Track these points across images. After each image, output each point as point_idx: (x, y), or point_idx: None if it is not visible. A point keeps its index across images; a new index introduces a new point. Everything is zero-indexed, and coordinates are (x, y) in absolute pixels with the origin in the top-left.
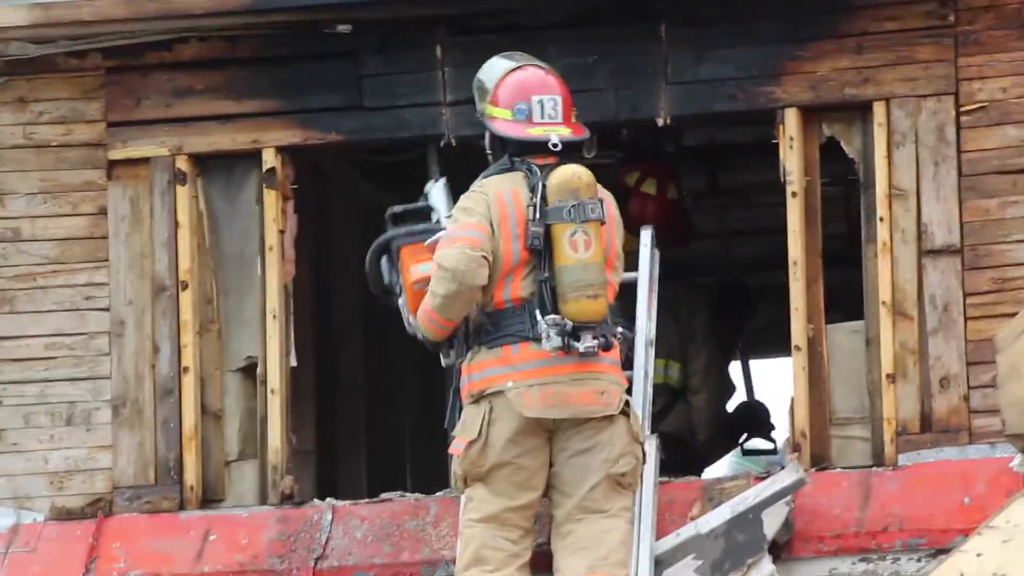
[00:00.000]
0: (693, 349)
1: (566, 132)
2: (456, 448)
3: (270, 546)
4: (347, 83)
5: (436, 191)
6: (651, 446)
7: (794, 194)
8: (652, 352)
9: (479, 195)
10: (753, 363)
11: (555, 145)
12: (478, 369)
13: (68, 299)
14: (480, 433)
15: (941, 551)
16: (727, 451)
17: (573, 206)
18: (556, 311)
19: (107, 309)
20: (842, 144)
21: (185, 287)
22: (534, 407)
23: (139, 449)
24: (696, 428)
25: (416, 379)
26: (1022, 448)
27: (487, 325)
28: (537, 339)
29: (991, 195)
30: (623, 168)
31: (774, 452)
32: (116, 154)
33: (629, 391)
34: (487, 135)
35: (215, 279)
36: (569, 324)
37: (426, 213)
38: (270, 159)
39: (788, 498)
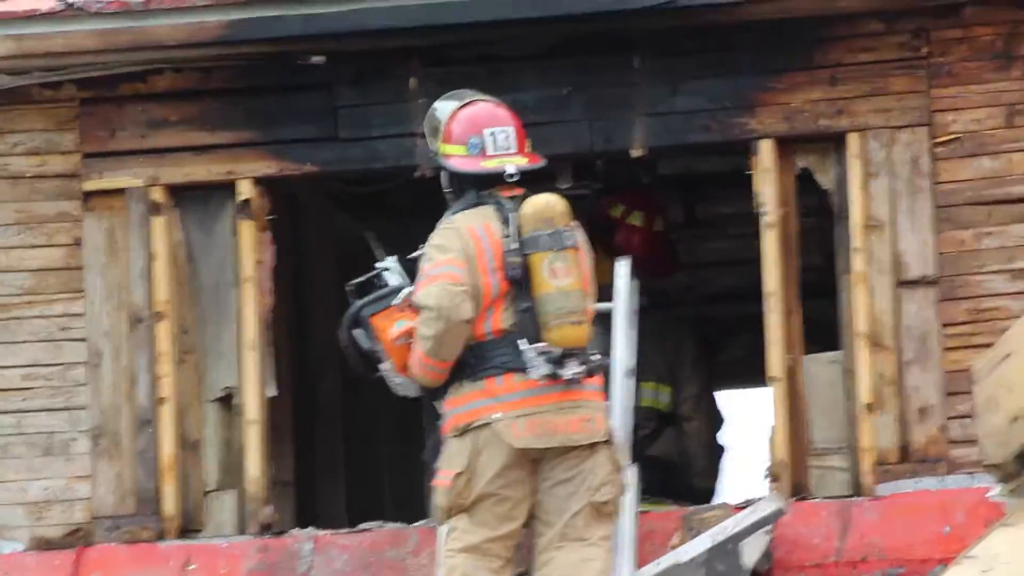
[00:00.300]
0: (683, 376)
1: (522, 161)
2: (441, 481)
3: None
4: (322, 114)
5: (391, 274)
6: (631, 474)
7: (770, 225)
8: (631, 383)
9: (451, 231)
10: (729, 394)
11: (511, 175)
12: (462, 402)
13: (44, 330)
14: (467, 466)
15: None
16: (718, 479)
17: (549, 234)
18: (540, 339)
19: (84, 340)
20: (816, 175)
21: (162, 318)
22: (522, 437)
23: (118, 479)
24: (691, 456)
25: (394, 408)
26: (1000, 478)
27: (469, 358)
28: (521, 369)
29: (966, 226)
30: (608, 200)
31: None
32: (91, 185)
33: None
34: (443, 175)
35: (192, 310)
36: (556, 351)
37: (382, 281)
38: (245, 190)
39: (768, 528)
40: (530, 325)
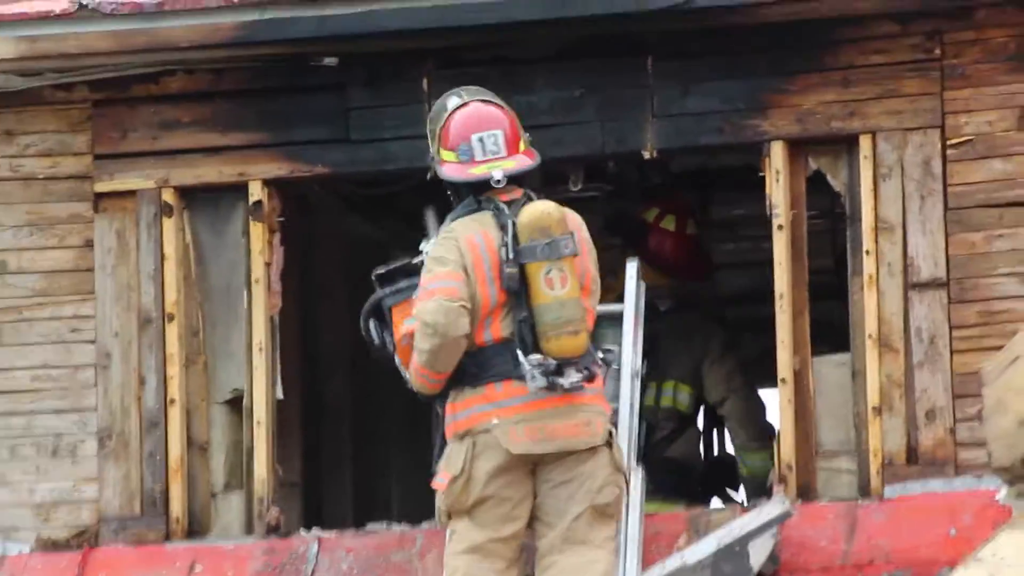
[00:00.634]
0: (710, 362)
1: (510, 165)
2: (439, 483)
3: None
4: (334, 116)
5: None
6: (637, 477)
7: (780, 227)
8: (638, 384)
9: (449, 241)
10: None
11: (497, 181)
12: (463, 408)
13: (54, 331)
14: (463, 469)
15: None
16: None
17: (546, 244)
18: (537, 349)
19: (93, 341)
20: (828, 177)
21: (171, 319)
22: (520, 443)
23: (125, 481)
24: (734, 432)
25: (402, 410)
26: (1008, 480)
27: (470, 365)
28: (521, 377)
29: (977, 228)
30: (641, 204)
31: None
32: (102, 187)
33: (614, 421)
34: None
35: (201, 311)
36: (552, 363)
37: (410, 269)
38: (256, 192)
39: (774, 530)
40: (528, 334)
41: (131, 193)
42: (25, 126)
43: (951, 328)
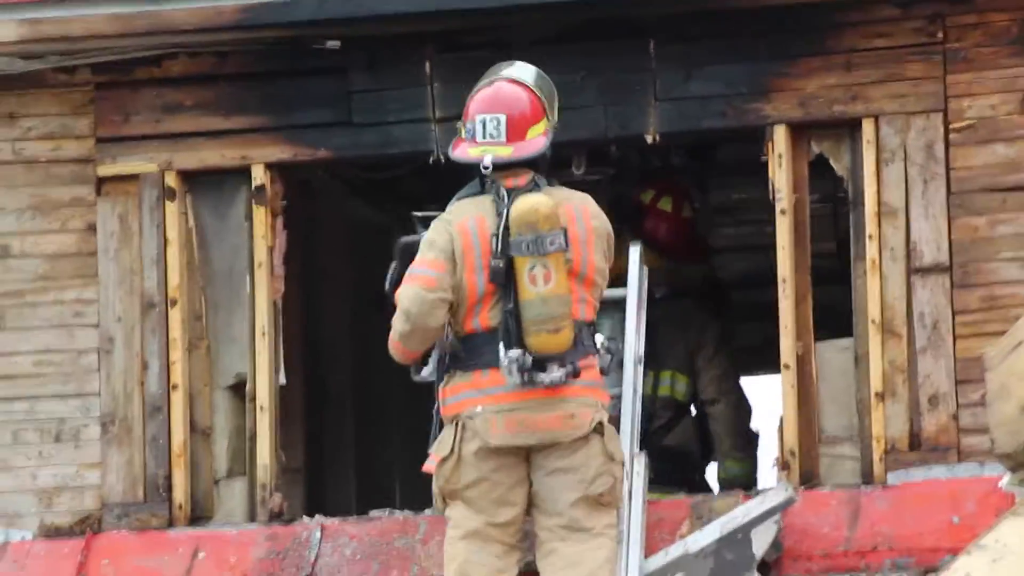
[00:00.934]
0: (704, 358)
1: (505, 152)
2: (429, 466)
3: (259, 564)
4: (336, 100)
5: None
6: (640, 463)
7: (783, 211)
8: (641, 369)
9: (444, 226)
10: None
11: (486, 167)
12: (452, 393)
13: (57, 316)
14: (453, 450)
15: (930, 570)
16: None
17: (531, 240)
18: (522, 342)
19: (96, 326)
20: (831, 161)
21: (174, 304)
22: (499, 435)
23: (128, 466)
24: (717, 439)
25: (404, 396)
26: (1011, 467)
27: (461, 351)
28: None
29: (980, 213)
30: (638, 186)
31: None
32: (105, 170)
33: (616, 408)
34: None
35: (204, 296)
36: (529, 359)
37: None
38: (259, 175)
39: (777, 517)
40: (514, 327)
41: (134, 177)
42: (27, 109)
43: (954, 313)
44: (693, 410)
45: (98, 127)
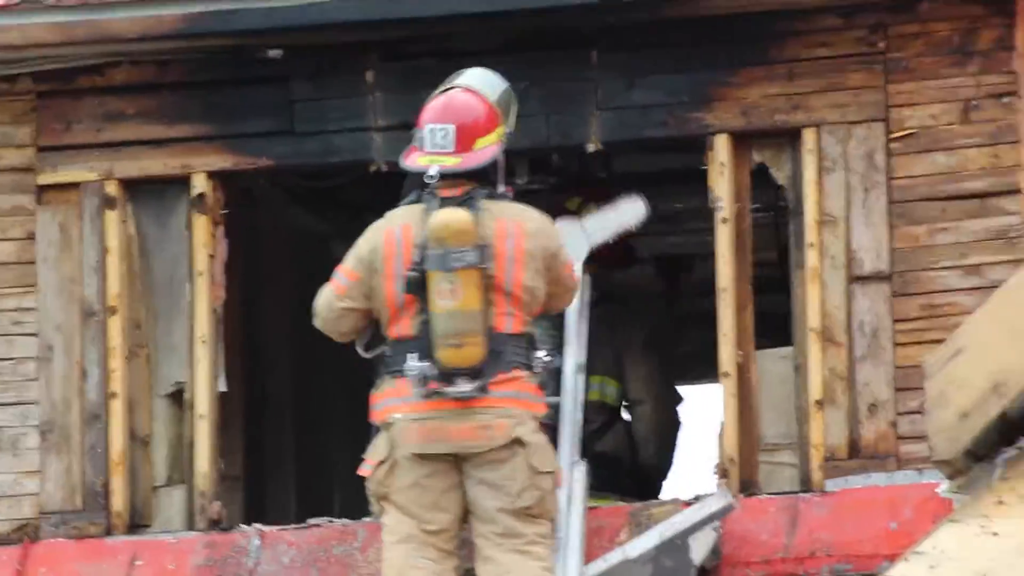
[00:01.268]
0: (631, 360)
1: (452, 162)
2: (364, 470)
3: (197, 572)
4: (278, 108)
5: None
6: (580, 471)
7: (724, 220)
8: (582, 377)
9: (372, 232)
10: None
11: (431, 177)
12: (380, 398)
13: None
14: (386, 455)
15: None
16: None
17: (440, 255)
18: (433, 353)
19: (35, 334)
20: (772, 170)
21: (114, 312)
22: (413, 442)
23: (66, 474)
24: (644, 440)
25: (345, 404)
26: (949, 474)
27: (388, 356)
28: None
29: (920, 222)
30: (563, 194)
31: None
32: (46, 179)
33: (555, 418)
34: None
35: (144, 304)
36: (434, 372)
37: None
38: (200, 184)
39: (716, 524)
40: (425, 338)
41: (74, 185)
42: None
43: (894, 321)
44: (626, 415)
45: (39, 136)
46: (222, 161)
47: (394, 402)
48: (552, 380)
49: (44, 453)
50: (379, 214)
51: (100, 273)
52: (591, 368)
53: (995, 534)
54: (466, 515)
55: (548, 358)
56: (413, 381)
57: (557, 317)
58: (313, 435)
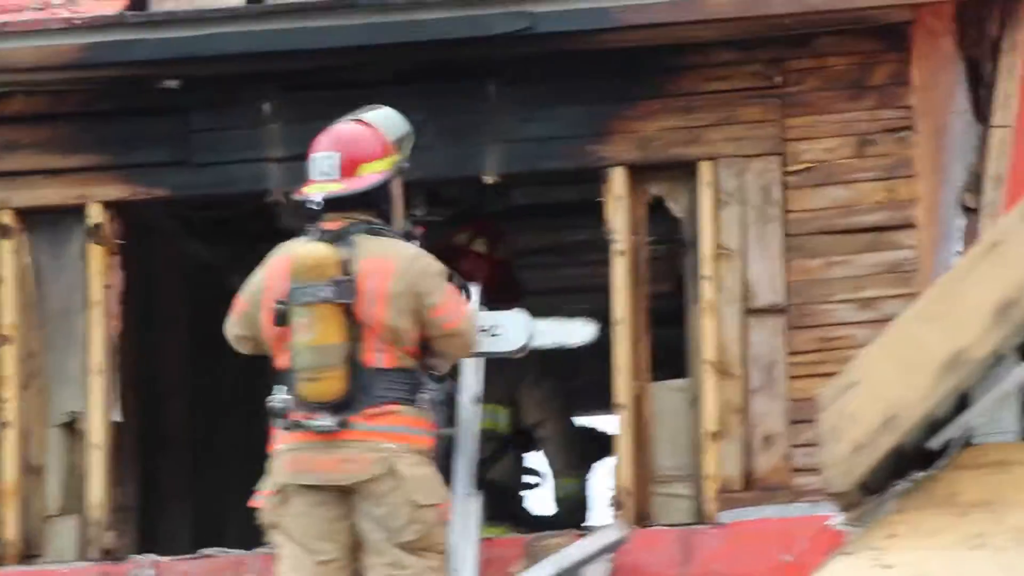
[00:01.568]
0: (527, 385)
1: (336, 188)
2: (256, 501)
3: None
4: (175, 138)
5: None
6: (475, 503)
7: (620, 252)
8: (478, 409)
9: (265, 262)
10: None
11: (317, 203)
12: (274, 430)
13: None
14: (276, 485)
15: None
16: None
17: (295, 289)
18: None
19: None
20: (668, 203)
21: (7, 342)
22: (284, 473)
23: None
24: (551, 458)
25: (241, 435)
26: (843, 507)
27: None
28: None
29: (815, 255)
30: (454, 228)
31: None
32: None
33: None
34: None
35: (39, 334)
36: (289, 405)
37: None
38: (96, 214)
39: (610, 555)
40: (291, 371)
41: None
42: None
43: (789, 354)
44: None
45: None
46: (118, 191)
47: (281, 432)
48: (442, 411)
49: None
50: (275, 245)
51: None
52: (485, 396)
53: (888, 567)
54: (357, 546)
55: (433, 393)
56: (276, 412)
57: None
58: (208, 465)
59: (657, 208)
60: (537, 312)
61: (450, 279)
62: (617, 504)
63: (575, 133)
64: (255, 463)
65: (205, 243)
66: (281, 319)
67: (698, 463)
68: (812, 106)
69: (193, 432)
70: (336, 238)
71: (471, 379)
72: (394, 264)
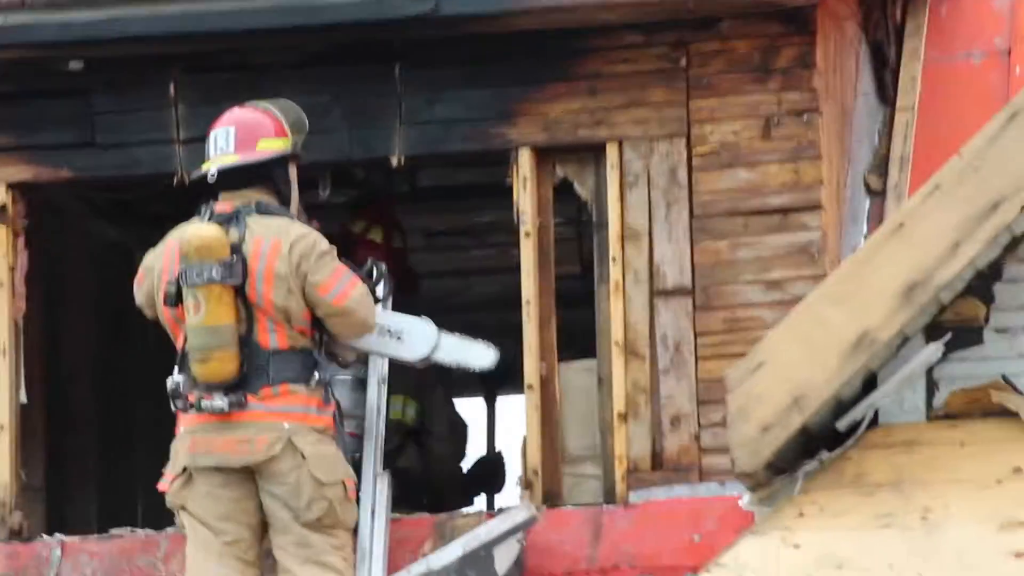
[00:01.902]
0: (429, 385)
1: (231, 160)
2: (162, 484)
3: None
4: (79, 120)
5: None
6: (383, 483)
7: (527, 234)
8: (384, 389)
9: (162, 242)
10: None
11: (212, 175)
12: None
13: None
14: (180, 467)
15: None
16: (467, 493)
17: (184, 270)
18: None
19: None
20: (575, 185)
21: None
22: (186, 455)
23: None
24: (434, 467)
25: (149, 416)
26: (751, 486)
27: None
28: None
29: (722, 237)
30: (351, 215)
31: None
32: None
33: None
34: None
35: None
36: (181, 385)
37: None
38: (0, 195)
39: (520, 535)
40: (185, 352)
41: None
42: None
43: (696, 335)
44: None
45: None
46: (22, 173)
47: (185, 415)
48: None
49: None
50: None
51: None
52: (394, 388)
53: (796, 546)
54: (265, 526)
55: (326, 374)
56: (173, 394)
57: None
58: (117, 446)
59: (564, 190)
60: (442, 305)
61: (368, 264)
62: (526, 484)
63: (481, 115)
64: (164, 443)
65: (111, 224)
66: (173, 300)
67: (607, 443)
68: (717, 88)
69: (101, 412)
70: (228, 219)
71: (378, 361)
72: (282, 244)
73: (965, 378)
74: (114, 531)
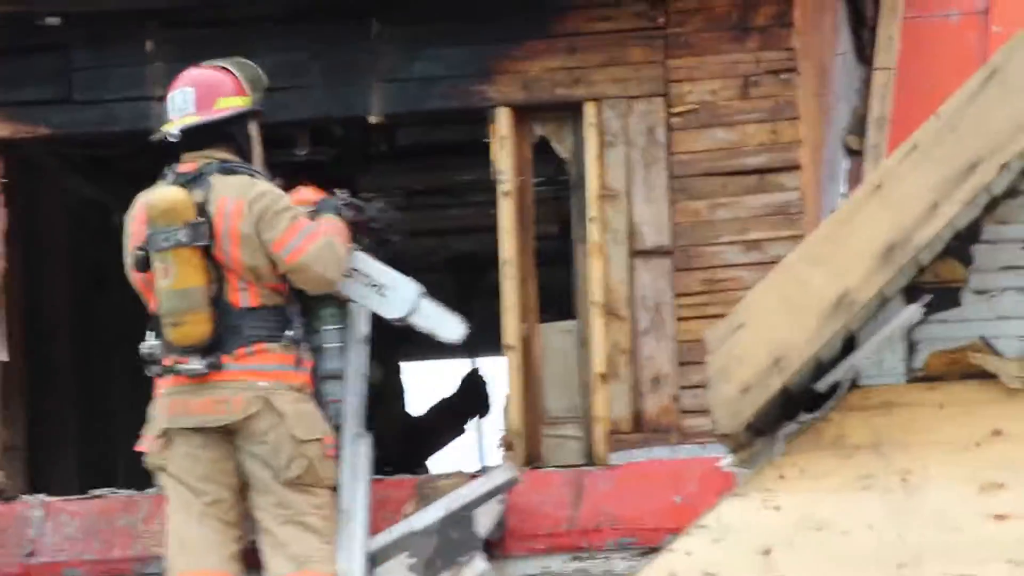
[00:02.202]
0: (390, 344)
1: (192, 120)
2: (142, 445)
3: None
4: (57, 76)
5: None
6: (365, 443)
7: (506, 193)
8: (365, 349)
9: (132, 205)
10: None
11: (172, 136)
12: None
13: None
14: (159, 429)
15: (652, 550)
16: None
17: (151, 234)
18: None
19: None
20: (553, 144)
21: None
22: (165, 417)
23: None
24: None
25: (128, 375)
26: (732, 448)
27: None
28: None
29: (701, 197)
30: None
31: None
32: None
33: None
34: None
35: None
36: (155, 350)
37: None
38: None
39: (501, 496)
40: (158, 317)
41: None
42: None
43: (676, 296)
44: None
45: None
46: (1, 130)
47: (163, 377)
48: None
49: None
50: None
51: None
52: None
53: (777, 508)
54: (245, 486)
55: (299, 330)
56: (148, 359)
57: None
58: (96, 406)
59: (543, 149)
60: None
61: (353, 204)
62: (507, 446)
63: (460, 73)
64: (144, 401)
65: (89, 181)
66: (142, 265)
67: (587, 405)
68: (696, 47)
69: (81, 370)
70: (191, 179)
71: (360, 321)
72: (242, 206)
73: (944, 340)
74: (95, 491)
